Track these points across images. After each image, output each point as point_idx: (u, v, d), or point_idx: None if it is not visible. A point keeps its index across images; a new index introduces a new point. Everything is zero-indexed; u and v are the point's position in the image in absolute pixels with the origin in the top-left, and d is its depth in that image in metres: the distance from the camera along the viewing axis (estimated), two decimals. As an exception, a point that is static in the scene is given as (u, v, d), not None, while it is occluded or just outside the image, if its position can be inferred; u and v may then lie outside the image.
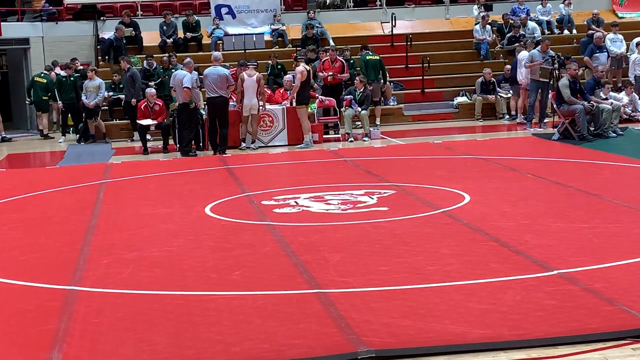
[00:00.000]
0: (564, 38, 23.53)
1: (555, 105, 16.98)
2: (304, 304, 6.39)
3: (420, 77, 21.67)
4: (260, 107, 17.02)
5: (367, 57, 19.67)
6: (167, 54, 21.13)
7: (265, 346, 5.52)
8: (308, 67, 17.45)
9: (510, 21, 23.08)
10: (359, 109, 17.89)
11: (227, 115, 16.62)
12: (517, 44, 21.45)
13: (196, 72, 16.94)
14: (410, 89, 21.79)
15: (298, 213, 10.05)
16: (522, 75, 19.05)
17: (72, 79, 20.02)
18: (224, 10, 23.69)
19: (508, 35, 22.53)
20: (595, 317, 5.79)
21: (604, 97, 17.20)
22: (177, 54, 21.04)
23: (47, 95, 20.59)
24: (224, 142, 16.56)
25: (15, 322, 6.34)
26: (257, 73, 17.16)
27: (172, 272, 7.60)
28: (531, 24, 22.58)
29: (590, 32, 22.86)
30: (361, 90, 18.22)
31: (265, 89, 17.95)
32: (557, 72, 18.31)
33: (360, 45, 20.48)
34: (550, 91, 18.17)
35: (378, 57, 19.89)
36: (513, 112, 20.01)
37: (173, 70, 18.60)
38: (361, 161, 14.42)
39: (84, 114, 19.52)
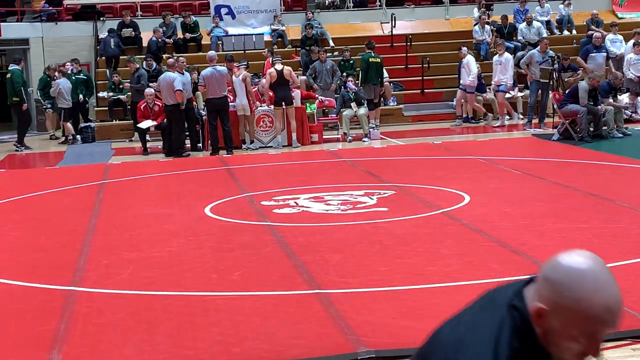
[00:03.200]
0: (564, 38, 23.54)
1: (555, 106, 17.00)
2: (303, 305, 6.39)
3: (420, 78, 21.66)
4: (255, 107, 17.06)
5: (370, 60, 19.02)
6: (169, 55, 21.15)
7: (265, 346, 5.52)
8: (280, 68, 17.26)
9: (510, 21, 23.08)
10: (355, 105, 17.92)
11: (228, 113, 16.68)
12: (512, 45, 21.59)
13: (188, 74, 17.05)
14: (410, 90, 21.77)
15: (298, 213, 10.05)
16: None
17: (72, 79, 20.05)
18: (223, 11, 23.70)
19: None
20: (595, 318, 5.79)
21: (630, 102, 17.56)
22: (177, 54, 21.04)
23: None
24: (230, 140, 16.60)
25: (15, 322, 6.34)
26: (244, 72, 17.14)
27: (172, 272, 7.60)
28: (536, 24, 22.50)
29: (590, 32, 22.85)
30: (352, 90, 18.22)
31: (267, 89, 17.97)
32: (556, 72, 18.31)
33: (365, 44, 19.71)
34: (550, 91, 18.18)
35: (380, 60, 19.31)
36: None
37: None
38: (361, 161, 14.42)
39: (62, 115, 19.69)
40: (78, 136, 19.92)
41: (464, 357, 1.95)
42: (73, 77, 20.04)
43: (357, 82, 18.55)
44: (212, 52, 17.71)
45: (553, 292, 1.93)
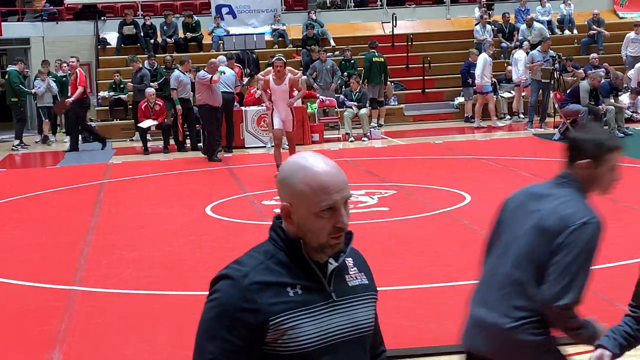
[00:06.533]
0: (565, 38, 23.53)
1: (557, 106, 16.99)
2: (304, 304, 6.38)
3: (421, 77, 21.66)
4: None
5: (374, 59, 18.93)
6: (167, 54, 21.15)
7: (266, 346, 5.51)
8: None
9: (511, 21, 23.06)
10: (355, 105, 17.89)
11: (232, 112, 16.76)
12: (511, 45, 21.54)
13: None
14: (411, 89, 21.78)
15: (298, 213, 10.04)
16: (518, 74, 19.20)
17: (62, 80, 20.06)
18: (224, 10, 23.70)
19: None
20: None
21: (632, 102, 17.59)
22: (178, 54, 21.04)
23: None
24: (231, 138, 16.64)
25: (16, 322, 6.34)
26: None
27: (172, 272, 7.59)
28: (537, 25, 22.42)
29: (591, 32, 22.85)
30: (357, 90, 18.19)
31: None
32: (557, 72, 18.30)
33: (368, 44, 19.71)
34: (551, 91, 18.18)
35: (383, 59, 19.25)
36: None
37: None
38: (362, 161, 14.41)
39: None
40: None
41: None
42: (63, 79, 19.98)
43: (359, 81, 18.50)
44: (222, 57, 17.70)
45: (286, 187, 2.24)
